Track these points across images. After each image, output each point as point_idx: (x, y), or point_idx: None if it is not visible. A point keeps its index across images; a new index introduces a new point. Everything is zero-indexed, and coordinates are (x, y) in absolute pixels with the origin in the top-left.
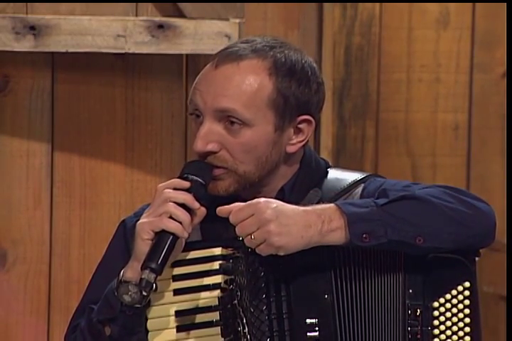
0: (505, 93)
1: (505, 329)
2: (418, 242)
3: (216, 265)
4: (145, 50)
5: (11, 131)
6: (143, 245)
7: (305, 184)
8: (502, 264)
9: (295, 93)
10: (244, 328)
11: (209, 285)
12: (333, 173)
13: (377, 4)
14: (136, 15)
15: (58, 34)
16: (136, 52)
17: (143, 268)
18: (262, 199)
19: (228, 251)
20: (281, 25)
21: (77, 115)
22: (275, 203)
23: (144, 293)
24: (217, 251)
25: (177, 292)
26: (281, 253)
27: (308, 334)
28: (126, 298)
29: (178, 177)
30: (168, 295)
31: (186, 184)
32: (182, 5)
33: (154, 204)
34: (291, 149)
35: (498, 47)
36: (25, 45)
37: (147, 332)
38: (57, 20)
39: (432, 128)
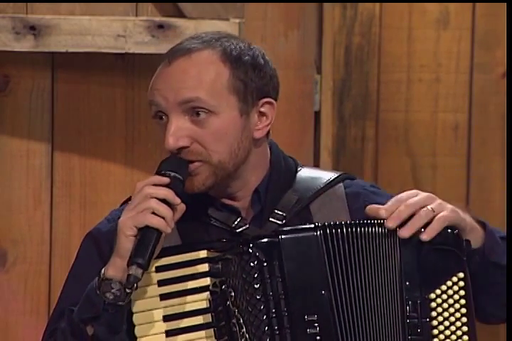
0: (505, 93)
1: (506, 329)
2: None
3: (203, 268)
4: (145, 50)
5: (11, 131)
6: (126, 241)
7: (278, 184)
8: None
9: (252, 77)
10: (241, 328)
11: (196, 288)
12: (305, 172)
13: (377, 4)
14: (136, 15)
15: (58, 34)
16: (136, 52)
17: (129, 264)
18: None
19: (214, 254)
20: (281, 25)
21: (77, 115)
22: None
23: (128, 291)
24: (203, 253)
25: (164, 297)
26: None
27: (309, 330)
28: (109, 296)
29: (156, 174)
30: (155, 301)
31: (166, 180)
32: (182, 5)
33: (135, 200)
34: (258, 134)
35: (498, 47)
36: (25, 45)
37: (133, 326)
38: (57, 20)
39: (432, 128)
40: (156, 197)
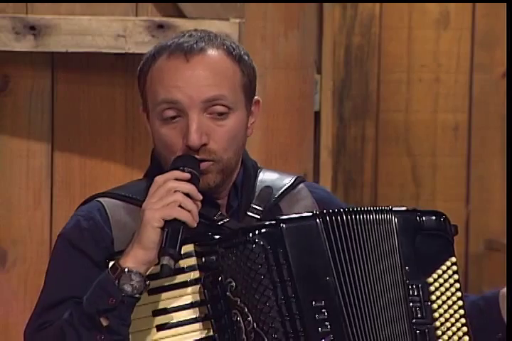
0: (505, 93)
1: (505, 328)
2: None
3: (190, 261)
4: (145, 50)
5: (11, 131)
6: (153, 233)
7: (250, 181)
8: (502, 264)
9: (253, 76)
10: (247, 317)
11: (185, 282)
12: (265, 173)
13: (377, 4)
14: (136, 15)
15: (58, 34)
16: (136, 52)
17: (161, 255)
18: None
19: (202, 247)
20: (281, 25)
21: (77, 115)
22: None
23: (147, 282)
24: (190, 247)
25: (151, 291)
26: None
27: (317, 316)
28: (127, 288)
29: (174, 170)
30: (143, 296)
31: (187, 175)
32: (182, 5)
33: (157, 194)
34: (249, 132)
35: (498, 47)
36: (25, 45)
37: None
38: (57, 20)
39: (432, 128)
40: (180, 191)
